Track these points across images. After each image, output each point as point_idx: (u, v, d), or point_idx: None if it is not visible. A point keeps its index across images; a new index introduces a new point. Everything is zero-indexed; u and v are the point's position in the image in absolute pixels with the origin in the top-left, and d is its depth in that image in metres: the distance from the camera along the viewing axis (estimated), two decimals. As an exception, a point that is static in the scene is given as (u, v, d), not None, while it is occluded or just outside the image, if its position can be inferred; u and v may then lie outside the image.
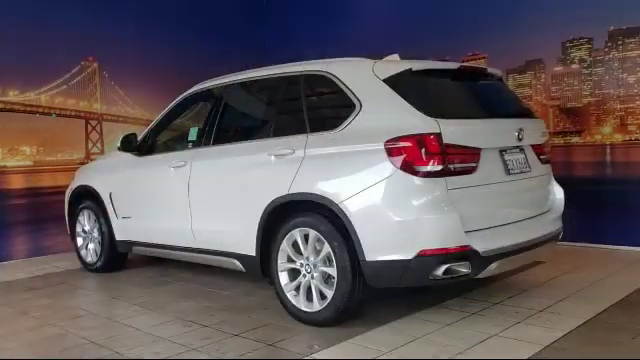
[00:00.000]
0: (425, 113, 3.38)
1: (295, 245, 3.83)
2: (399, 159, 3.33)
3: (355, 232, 3.44)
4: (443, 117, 3.40)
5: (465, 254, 3.31)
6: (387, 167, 3.36)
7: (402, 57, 3.97)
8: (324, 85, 3.92)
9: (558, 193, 4.29)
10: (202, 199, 4.49)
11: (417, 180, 3.31)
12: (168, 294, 4.81)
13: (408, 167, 3.31)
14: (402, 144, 3.33)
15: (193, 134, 4.74)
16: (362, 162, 3.48)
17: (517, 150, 3.83)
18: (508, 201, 3.73)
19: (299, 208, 3.79)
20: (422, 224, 3.29)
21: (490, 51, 6.58)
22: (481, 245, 3.36)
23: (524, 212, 3.85)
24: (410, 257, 3.30)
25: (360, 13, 7.97)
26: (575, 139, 5.60)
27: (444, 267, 3.28)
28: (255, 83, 4.44)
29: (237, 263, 4.27)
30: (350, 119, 3.62)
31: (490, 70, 4.14)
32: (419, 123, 3.36)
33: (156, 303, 4.51)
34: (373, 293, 3.79)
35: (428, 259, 3.28)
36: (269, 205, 3.89)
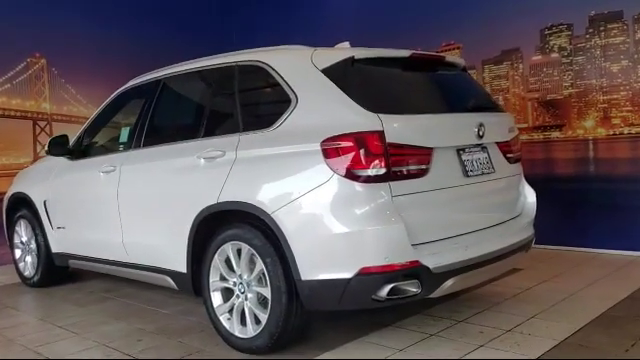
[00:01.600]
0: (367, 108, 2.90)
1: (228, 261, 3.36)
2: (336, 162, 2.85)
3: (289, 247, 2.97)
4: (388, 112, 2.93)
5: (413, 271, 2.84)
6: (323, 171, 2.88)
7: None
8: (259, 77, 3.44)
9: (530, 196, 3.81)
10: (132, 208, 4.01)
11: (357, 186, 2.83)
12: (102, 313, 4.32)
13: (346, 171, 2.83)
14: (339, 144, 2.86)
15: (124, 135, 4.25)
16: (297, 165, 3.01)
17: (478, 149, 3.35)
18: (466, 207, 3.25)
19: (231, 219, 3.32)
20: (362, 237, 2.81)
21: (465, 41, 6.10)
22: (433, 260, 2.89)
23: (487, 219, 3.37)
24: (350, 276, 2.82)
25: (329, 5, 7.48)
26: (556, 134, 5.22)
27: (389, 287, 2.80)
28: (187, 76, 3.95)
29: (169, 280, 3.79)
30: (285, 116, 3.15)
31: (450, 59, 3.66)
32: (358, 119, 2.88)
33: (84, 325, 4.03)
34: (321, 313, 3.33)
35: (370, 278, 2.80)
36: (198, 215, 3.42)
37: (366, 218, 2.81)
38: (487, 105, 3.66)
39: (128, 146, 4.15)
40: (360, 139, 2.83)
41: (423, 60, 3.47)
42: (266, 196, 3.07)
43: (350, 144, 2.84)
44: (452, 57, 3.69)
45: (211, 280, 3.43)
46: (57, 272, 5.19)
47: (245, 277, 3.26)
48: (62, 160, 4.81)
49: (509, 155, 3.62)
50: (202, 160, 3.45)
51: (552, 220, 5.64)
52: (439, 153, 3.07)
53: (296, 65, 3.27)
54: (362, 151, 2.82)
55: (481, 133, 3.28)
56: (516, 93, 5.97)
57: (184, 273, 3.60)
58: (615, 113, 5.31)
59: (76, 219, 4.66)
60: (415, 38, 6.34)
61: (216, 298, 3.43)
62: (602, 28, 5.35)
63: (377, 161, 2.82)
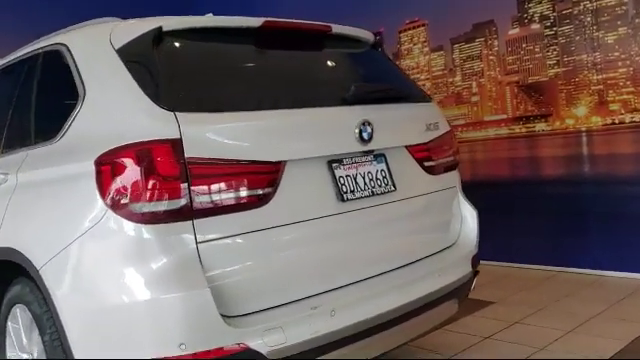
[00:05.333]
0: (163, 104, 1.86)
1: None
2: (110, 190, 1.82)
3: (60, 322, 1.96)
4: (200, 110, 1.90)
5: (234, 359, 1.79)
6: (96, 204, 1.86)
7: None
8: (57, 66, 2.42)
9: (469, 218, 2.69)
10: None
11: (138, 228, 1.78)
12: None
13: (122, 205, 1.80)
14: (113, 163, 1.82)
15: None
16: (69, 196, 2.00)
17: (367, 158, 2.26)
18: (340, 248, 2.13)
19: (22, 272, 2.33)
20: (144, 314, 1.77)
21: (431, 16, 5.00)
22: (270, 339, 1.83)
23: (380, 261, 2.25)
24: (131, 372, 1.79)
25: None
26: (540, 126, 4.26)
27: (191, 389, 1.76)
28: (3, 72, 2.97)
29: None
30: (70, 120, 2.14)
31: (340, 30, 2.54)
32: (145, 123, 1.85)
33: None
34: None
35: (160, 377, 1.76)
36: (-14, 265, 2.45)
37: (150, 281, 1.76)
38: (393, 95, 2.52)
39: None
40: (142, 154, 1.79)
41: (289, 32, 2.38)
42: (35, 242, 2.09)
43: (128, 162, 1.80)
44: (346, 28, 2.58)
45: (8, 353, 2.46)
46: None
47: (35, 354, 2.27)
48: None
49: (429, 163, 2.51)
50: (-11, 187, 2.47)
51: (541, 234, 4.52)
52: (295, 169, 2.01)
53: (91, 46, 2.26)
54: (144, 173, 1.78)
55: (366, 135, 2.19)
56: (492, 77, 4.82)
57: (-10, 339, 2.64)
58: (613, 96, 4.13)
59: None
60: (374, 16, 5.25)
61: (16, 380, 2.45)
62: (592, -12, 4.18)
63: (169, 188, 1.78)
